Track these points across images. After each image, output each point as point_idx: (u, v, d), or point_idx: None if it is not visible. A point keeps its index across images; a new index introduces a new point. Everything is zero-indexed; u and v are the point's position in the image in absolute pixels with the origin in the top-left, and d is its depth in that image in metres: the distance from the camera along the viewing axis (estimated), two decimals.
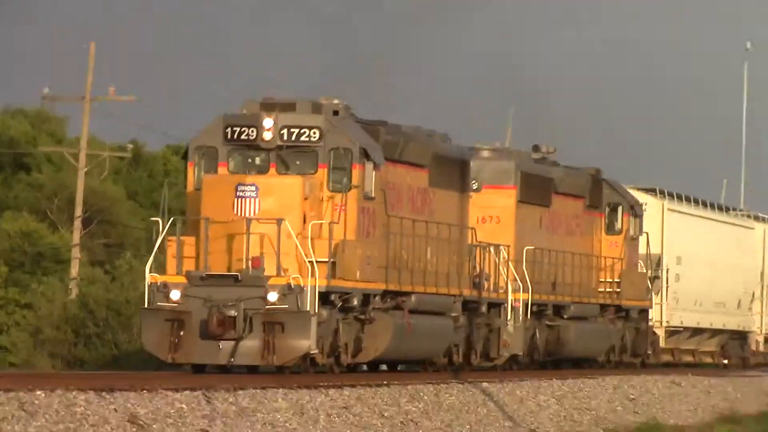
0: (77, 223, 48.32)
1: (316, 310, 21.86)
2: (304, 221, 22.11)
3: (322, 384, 21.41)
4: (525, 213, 31.64)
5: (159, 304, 22.00)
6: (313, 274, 21.57)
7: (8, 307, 50.18)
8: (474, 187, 29.75)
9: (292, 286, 21.70)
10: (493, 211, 30.29)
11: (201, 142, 23.46)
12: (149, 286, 22.14)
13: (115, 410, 14.92)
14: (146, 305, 22.22)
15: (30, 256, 50.44)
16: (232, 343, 21.75)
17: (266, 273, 21.89)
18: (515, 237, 30.72)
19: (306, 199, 22.47)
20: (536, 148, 33.38)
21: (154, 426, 15.06)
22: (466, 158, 29.36)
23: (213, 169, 23.05)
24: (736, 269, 42.55)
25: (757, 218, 46.10)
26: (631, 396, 30.20)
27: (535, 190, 32.41)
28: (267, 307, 21.74)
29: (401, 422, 21.53)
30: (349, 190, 23.04)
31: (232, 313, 21.49)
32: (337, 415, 19.95)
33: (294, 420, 18.40)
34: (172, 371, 22.88)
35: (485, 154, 31.40)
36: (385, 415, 21.38)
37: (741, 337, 42.83)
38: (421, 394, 23.51)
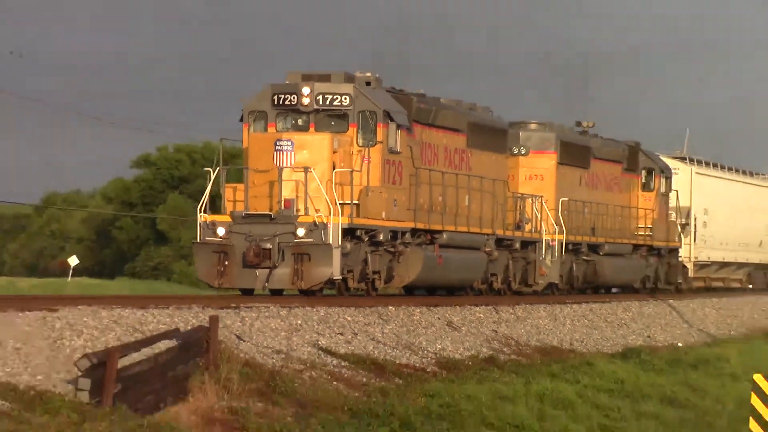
0: None
1: (339, 243, 24.16)
2: (333, 171, 24.89)
3: (568, 301, 32.48)
4: (564, 173, 36.20)
5: (207, 239, 24.70)
6: (336, 214, 23.90)
7: None
8: (522, 152, 34.72)
9: (317, 223, 24.02)
10: (537, 171, 35.18)
11: (253, 107, 26.20)
12: (200, 225, 24.89)
13: (438, 318, 25.00)
14: (197, 240, 25.13)
15: None
16: (267, 270, 24.26)
17: (297, 213, 24.42)
18: (555, 191, 35.33)
19: (335, 152, 24.90)
20: (578, 123, 38.42)
21: (463, 327, 24.85)
22: (504, 127, 33.25)
23: (264, 129, 25.81)
24: (756, 218, 52.34)
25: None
26: (763, 309, 44.67)
27: (574, 155, 36.96)
28: (296, 240, 24.11)
29: (618, 324, 33.19)
30: (374, 145, 25.58)
31: (268, 246, 23.99)
32: (577, 321, 30.87)
33: (550, 323, 29.20)
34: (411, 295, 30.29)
35: (532, 126, 35.70)
36: (608, 320, 33.05)
37: (765, 267, 53.81)
38: (630, 306, 35.76)
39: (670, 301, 39.50)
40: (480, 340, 25.70)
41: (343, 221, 24.53)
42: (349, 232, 25.21)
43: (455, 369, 22.97)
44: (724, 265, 49.93)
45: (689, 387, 26.11)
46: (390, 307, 24.32)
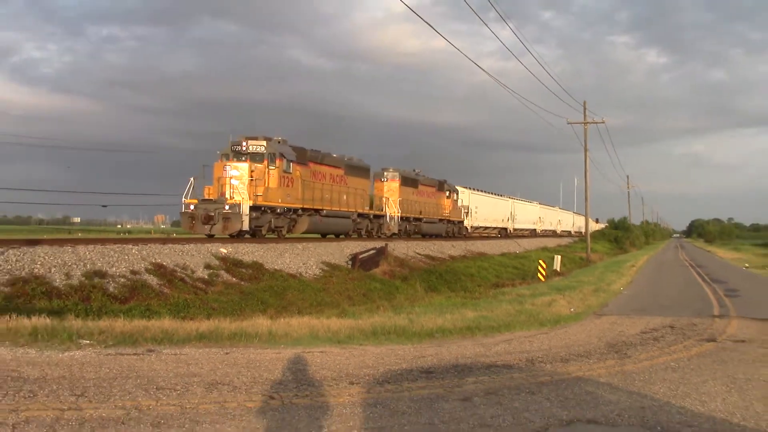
0: None
1: (247, 213, 35.04)
2: (252, 180, 35.82)
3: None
4: (404, 189, 57.41)
5: (186, 210, 34.86)
6: (246, 200, 35.01)
7: None
8: (385, 180, 55.78)
9: (235, 204, 34.74)
10: (391, 187, 56.69)
11: (222, 151, 37.07)
12: (184, 204, 34.68)
13: (450, 244, 58.61)
14: (182, 210, 34.85)
15: None
16: (211, 225, 34.67)
17: (225, 199, 34.77)
18: (399, 196, 56.43)
19: (253, 171, 35.72)
20: (414, 169, 62.20)
21: (457, 246, 61.43)
22: (366, 166, 49.67)
23: (226, 160, 36.30)
24: (500, 211, 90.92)
25: (508, 196, 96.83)
26: (530, 241, 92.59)
27: (409, 181, 58.66)
28: (224, 211, 34.61)
29: (495, 246, 70.38)
30: (275, 168, 37.01)
31: (212, 213, 34.51)
32: (483, 245, 67.92)
33: (481, 246, 66.32)
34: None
35: (390, 169, 57.40)
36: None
37: (505, 229, 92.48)
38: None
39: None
40: (459, 249, 56.59)
41: (249, 203, 35.09)
42: (256, 208, 35.71)
43: (454, 258, 52.30)
44: (486, 228, 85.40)
45: (519, 263, 57.56)
46: (434, 240, 58.02)
